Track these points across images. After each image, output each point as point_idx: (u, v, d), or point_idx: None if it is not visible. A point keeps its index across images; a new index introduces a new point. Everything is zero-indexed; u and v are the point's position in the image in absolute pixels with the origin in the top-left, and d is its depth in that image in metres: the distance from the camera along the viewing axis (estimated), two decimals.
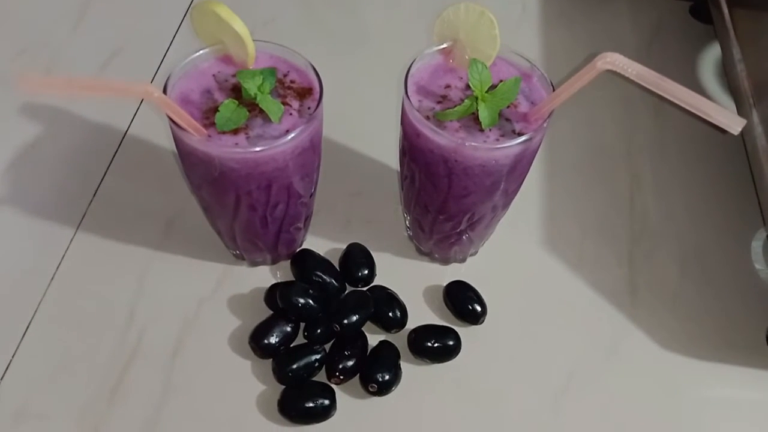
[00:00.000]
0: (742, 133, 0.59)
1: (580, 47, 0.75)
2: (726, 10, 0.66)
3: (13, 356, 0.50)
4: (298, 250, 0.56)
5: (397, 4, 0.79)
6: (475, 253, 0.58)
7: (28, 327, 0.52)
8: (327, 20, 0.77)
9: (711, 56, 0.74)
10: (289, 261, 0.55)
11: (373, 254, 0.56)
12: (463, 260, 0.58)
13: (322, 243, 0.57)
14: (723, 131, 0.40)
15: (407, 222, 0.57)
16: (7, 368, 0.50)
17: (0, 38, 0.71)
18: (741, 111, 0.60)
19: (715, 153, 0.67)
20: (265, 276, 0.56)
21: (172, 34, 0.73)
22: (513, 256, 0.58)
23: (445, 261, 0.57)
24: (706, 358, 0.54)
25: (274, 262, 0.56)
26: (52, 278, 0.54)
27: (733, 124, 0.39)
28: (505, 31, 0.47)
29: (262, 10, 0.76)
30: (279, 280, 0.55)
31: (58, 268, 0.55)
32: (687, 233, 0.61)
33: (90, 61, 0.69)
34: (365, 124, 0.66)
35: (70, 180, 0.61)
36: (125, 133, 0.64)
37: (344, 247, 0.56)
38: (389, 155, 0.62)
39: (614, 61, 0.42)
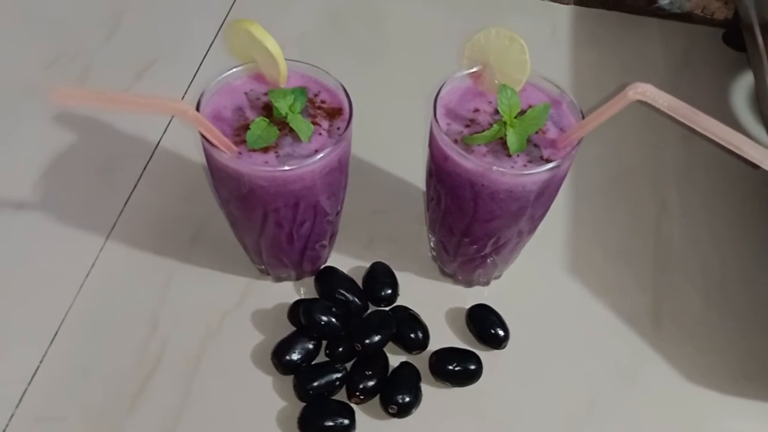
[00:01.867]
0: None
1: (610, 71, 0.74)
2: (760, 38, 0.66)
3: (41, 361, 0.51)
4: (322, 267, 0.56)
5: (425, 21, 0.79)
6: (499, 276, 0.58)
7: (56, 332, 0.53)
8: (355, 37, 0.77)
9: (743, 84, 0.74)
10: (313, 278, 0.56)
11: (396, 274, 0.56)
12: (486, 283, 0.57)
13: (346, 260, 0.57)
14: (755, 166, 0.40)
15: (431, 243, 0.57)
16: (35, 372, 0.51)
17: (33, 47, 0.73)
18: None
19: (744, 180, 0.66)
20: (289, 292, 0.56)
21: (205, 49, 0.74)
22: (537, 281, 0.58)
23: (469, 283, 0.57)
24: (728, 391, 0.53)
25: (298, 278, 0.56)
26: (82, 285, 0.55)
27: (767, 159, 0.39)
28: (535, 53, 0.47)
29: (292, 26, 0.76)
30: (303, 297, 0.55)
31: (87, 275, 0.56)
32: (713, 262, 0.60)
33: (123, 73, 0.70)
34: (392, 142, 0.66)
35: (102, 189, 0.62)
36: (157, 145, 0.65)
37: (368, 265, 0.56)
38: (414, 174, 0.62)
39: (645, 91, 0.41)
